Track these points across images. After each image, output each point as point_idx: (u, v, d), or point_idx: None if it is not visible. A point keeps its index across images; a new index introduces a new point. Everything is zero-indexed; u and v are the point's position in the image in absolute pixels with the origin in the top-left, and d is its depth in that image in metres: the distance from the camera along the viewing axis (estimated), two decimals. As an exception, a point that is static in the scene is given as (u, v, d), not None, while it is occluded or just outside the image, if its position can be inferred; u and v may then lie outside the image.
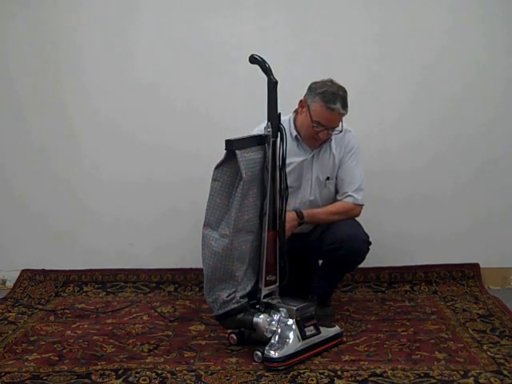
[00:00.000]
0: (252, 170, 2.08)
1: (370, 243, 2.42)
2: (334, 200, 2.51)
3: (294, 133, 2.44)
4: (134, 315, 2.62)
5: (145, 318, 2.59)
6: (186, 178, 2.95)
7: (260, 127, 2.46)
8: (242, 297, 2.14)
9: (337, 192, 2.51)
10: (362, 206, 2.46)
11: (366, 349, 2.18)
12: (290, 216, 2.34)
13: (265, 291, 2.17)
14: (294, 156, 2.43)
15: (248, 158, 2.06)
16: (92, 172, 3.04)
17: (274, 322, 2.10)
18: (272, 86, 2.08)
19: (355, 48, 2.90)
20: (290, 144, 2.41)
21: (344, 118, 2.85)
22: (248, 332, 2.18)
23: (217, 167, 2.08)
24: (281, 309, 2.12)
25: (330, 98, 2.28)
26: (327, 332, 2.18)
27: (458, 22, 2.88)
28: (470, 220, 2.97)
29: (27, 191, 3.08)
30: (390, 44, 2.90)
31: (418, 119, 2.94)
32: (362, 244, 2.39)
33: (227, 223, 2.08)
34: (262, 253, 2.15)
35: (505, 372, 1.94)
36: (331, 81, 2.36)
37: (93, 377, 2.00)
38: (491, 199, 2.97)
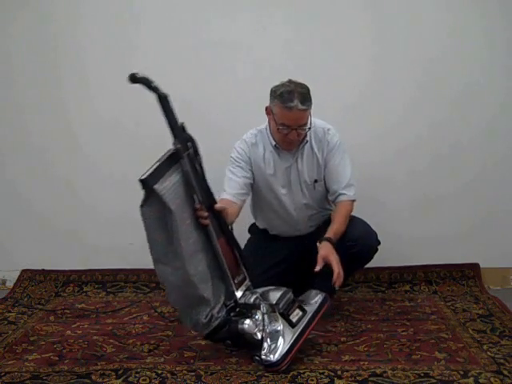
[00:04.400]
0: (178, 194, 1.94)
1: (379, 242, 2.44)
2: (327, 200, 2.51)
3: (273, 142, 2.43)
4: (134, 315, 2.62)
5: (145, 318, 2.59)
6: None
7: (252, 132, 2.48)
8: (219, 311, 2.08)
9: (328, 191, 2.50)
10: (354, 201, 2.46)
11: (365, 349, 2.18)
12: (328, 248, 2.25)
13: (239, 293, 2.12)
14: (278, 164, 2.44)
15: (169, 187, 1.90)
16: (92, 171, 3.04)
17: (259, 322, 2.06)
18: (164, 101, 1.93)
19: (355, 48, 2.90)
20: (272, 154, 2.43)
21: (344, 118, 2.88)
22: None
23: (142, 206, 1.92)
24: (261, 305, 2.08)
25: (286, 98, 2.24)
26: (312, 306, 2.15)
27: (458, 22, 2.88)
28: (469, 220, 2.97)
29: (27, 191, 3.08)
30: (390, 44, 2.90)
31: (418, 120, 2.93)
32: (374, 242, 2.42)
33: (175, 255, 1.95)
34: (221, 262, 2.08)
35: (505, 372, 1.94)
36: (289, 80, 2.32)
37: (93, 377, 2.00)
38: (491, 199, 2.97)
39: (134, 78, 1.88)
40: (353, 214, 2.48)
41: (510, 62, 2.89)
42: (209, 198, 2.04)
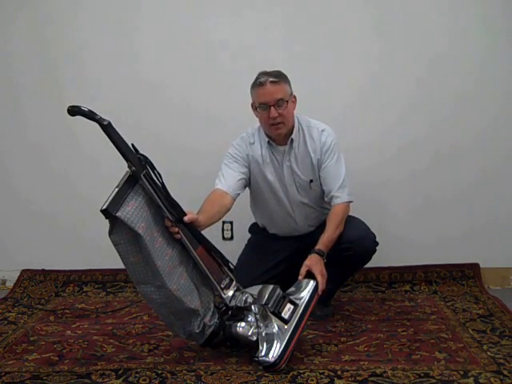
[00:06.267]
0: (142, 217, 1.90)
1: (377, 243, 2.43)
2: (324, 199, 2.51)
3: (266, 139, 2.44)
4: (134, 315, 2.62)
5: (145, 318, 2.59)
6: (186, 175, 2.93)
7: (250, 131, 2.48)
8: (211, 318, 2.08)
9: (323, 192, 2.49)
10: (350, 202, 2.43)
11: (365, 349, 2.18)
12: (316, 260, 2.24)
13: (228, 297, 2.11)
14: (273, 162, 2.45)
15: (132, 211, 1.87)
16: (93, 171, 3.05)
17: (252, 323, 2.06)
18: (108, 129, 1.85)
19: (355, 48, 2.90)
20: (265, 153, 2.45)
21: (343, 118, 2.88)
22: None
23: (110, 234, 1.91)
24: (252, 307, 2.08)
25: (258, 77, 2.32)
26: (303, 299, 2.13)
27: (458, 21, 2.88)
28: (470, 220, 2.97)
29: (28, 191, 3.09)
30: (390, 44, 2.90)
31: (418, 121, 2.93)
32: (371, 244, 2.41)
33: (155, 275, 1.93)
34: (203, 271, 2.07)
35: (505, 372, 1.94)
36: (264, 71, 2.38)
37: (93, 377, 2.00)
38: (491, 199, 2.97)
39: (72, 112, 1.86)
40: (353, 214, 2.48)
41: (511, 62, 2.89)
42: (177, 211, 2.01)
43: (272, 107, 2.30)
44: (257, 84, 2.31)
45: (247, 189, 2.55)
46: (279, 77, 2.31)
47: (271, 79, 2.28)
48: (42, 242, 3.09)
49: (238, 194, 2.42)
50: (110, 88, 2.98)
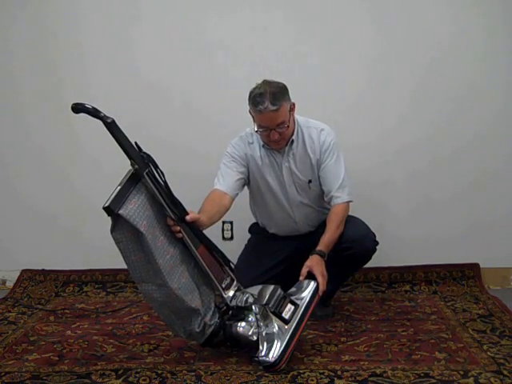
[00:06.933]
0: (145, 215, 1.90)
1: (377, 243, 2.43)
2: (323, 198, 2.51)
3: (262, 142, 2.44)
4: (134, 315, 2.62)
5: (145, 318, 2.59)
6: (186, 175, 2.93)
7: (249, 131, 2.48)
8: (211, 317, 2.08)
9: (323, 192, 2.49)
10: (350, 202, 2.43)
11: (365, 349, 2.17)
12: (317, 261, 2.23)
13: (229, 297, 2.11)
14: (269, 164, 2.45)
15: (134, 209, 1.87)
16: (93, 171, 3.05)
17: (252, 323, 2.05)
18: (112, 127, 1.87)
19: (355, 48, 2.90)
20: (263, 153, 2.45)
21: (344, 119, 2.88)
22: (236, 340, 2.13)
23: (112, 231, 1.90)
24: (253, 307, 2.08)
25: (257, 101, 2.23)
26: (303, 299, 2.12)
27: (457, 22, 2.88)
28: (470, 220, 2.97)
29: (28, 191, 3.09)
30: (390, 44, 2.90)
31: (418, 121, 2.93)
32: (371, 244, 2.42)
33: (156, 273, 1.93)
34: (205, 270, 2.07)
35: (505, 372, 1.94)
36: (263, 81, 2.30)
37: (93, 377, 2.00)
38: (491, 199, 2.97)
39: (76, 110, 1.84)
40: (353, 214, 2.48)
41: (510, 62, 2.89)
42: (179, 210, 2.01)
43: (273, 130, 2.29)
44: (257, 110, 2.24)
45: (246, 188, 2.55)
46: (278, 99, 2.23)
47: (271, 108, 2.22)
48: (42, 241, 3.10)
49: (237, 193, 2.42)
50: (110, 88, 2.98)
